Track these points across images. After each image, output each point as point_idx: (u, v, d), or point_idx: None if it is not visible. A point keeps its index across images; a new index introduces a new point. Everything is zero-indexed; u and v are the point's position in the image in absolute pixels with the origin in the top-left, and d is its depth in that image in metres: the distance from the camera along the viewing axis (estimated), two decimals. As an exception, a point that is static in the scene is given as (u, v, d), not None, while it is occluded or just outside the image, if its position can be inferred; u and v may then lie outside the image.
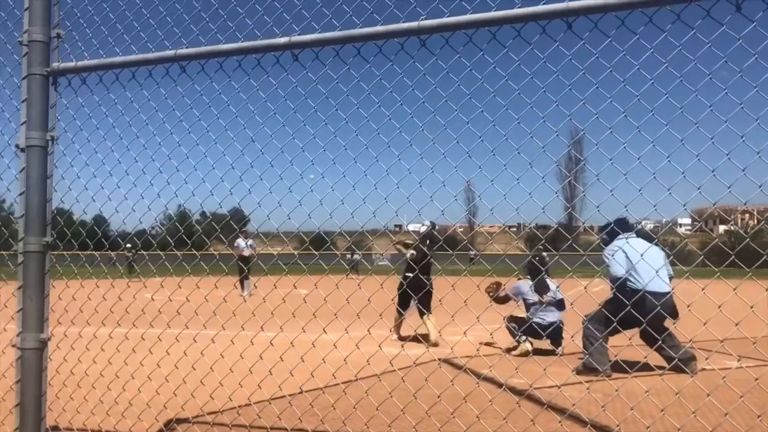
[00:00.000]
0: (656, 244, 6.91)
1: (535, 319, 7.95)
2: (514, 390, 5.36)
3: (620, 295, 6.05)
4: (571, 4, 2.22)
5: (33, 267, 2.74)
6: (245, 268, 17.51)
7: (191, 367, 3.81)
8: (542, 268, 8.33)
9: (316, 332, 3.84)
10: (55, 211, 2.80)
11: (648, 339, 6.54)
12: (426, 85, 2.49)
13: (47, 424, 2.93)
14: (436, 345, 8.65)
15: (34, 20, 2.76)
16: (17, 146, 2.71)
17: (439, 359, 6.63)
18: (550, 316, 8.07)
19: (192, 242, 3.57)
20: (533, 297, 8.17)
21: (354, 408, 4.02)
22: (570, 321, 7.48)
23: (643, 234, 7.84)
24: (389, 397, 3.72)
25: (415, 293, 8.34)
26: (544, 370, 3.86)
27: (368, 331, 3.47)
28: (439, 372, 4.08)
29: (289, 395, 4.09)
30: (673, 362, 5.96)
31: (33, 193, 2.69)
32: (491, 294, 8.50)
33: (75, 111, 2.99)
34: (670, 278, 6.76)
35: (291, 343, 3.56)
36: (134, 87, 2.85)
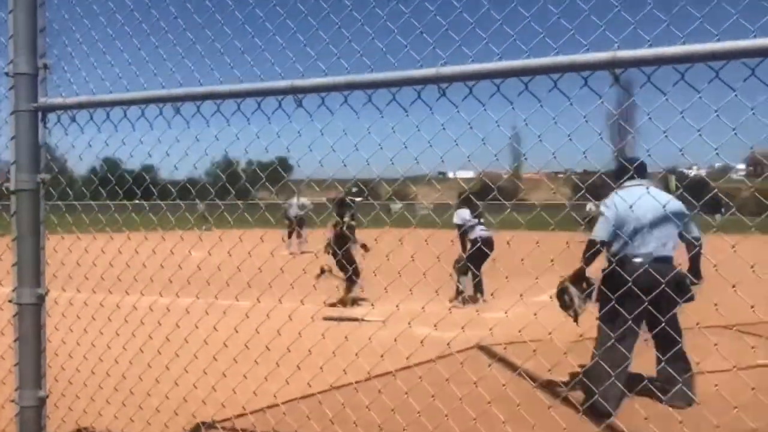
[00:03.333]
0: (669, 193, 5.30)
1: (482, 233, 10.73)
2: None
3: (610, 272, 4.85)
4: (619, 54, 1.99)
5: (28, 317, 2.74)
6: (295, 227, 18.96)
7: (213, 358, 3.88)
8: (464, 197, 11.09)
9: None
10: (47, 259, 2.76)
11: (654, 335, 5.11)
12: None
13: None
14: None
15: (19, 49, 2.65)
16: (7, 189, 2.68)
17: (477, 344, 6.63)
18: (481, 229, 10.87)
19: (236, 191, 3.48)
20: (470, 221, 10.82)
21: (367, 408, 3.99)
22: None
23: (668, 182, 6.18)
24: (405, 396, 3.68)
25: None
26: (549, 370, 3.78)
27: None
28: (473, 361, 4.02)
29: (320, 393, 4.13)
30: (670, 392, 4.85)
31: (24, 240, 2.67)
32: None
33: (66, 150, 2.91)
34: (694, 241, 5.13)
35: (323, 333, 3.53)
36: (126, 126, 2.74)
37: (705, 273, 5.16)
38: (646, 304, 3.74)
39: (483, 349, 6.76)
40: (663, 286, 3.88)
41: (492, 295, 10.57)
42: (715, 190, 2.62)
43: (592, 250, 5.01)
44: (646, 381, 4.88)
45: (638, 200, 4.78)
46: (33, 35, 2.65)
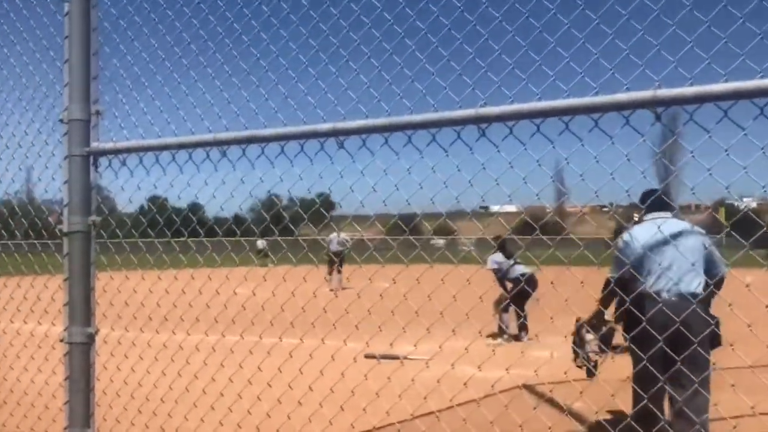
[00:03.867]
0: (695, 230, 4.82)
1: (513, 275, 11.21)
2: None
3: (634, 310, 4.17)
4: (660, 92, 1.99)
5: (78, 356, 2.81)
6: (336, 262, 19.25)
7: (257, 398, 3.88)
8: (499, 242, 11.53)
9: (383, 343, 3.78)
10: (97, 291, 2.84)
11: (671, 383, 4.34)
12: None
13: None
14: None
15: (74, 97, 2.80)
16: (60, 231, 2.79)
17: (522, 385, 6.50)
18: (520, 269, 11.29)
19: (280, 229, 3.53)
20: (505, 263, 11.32)
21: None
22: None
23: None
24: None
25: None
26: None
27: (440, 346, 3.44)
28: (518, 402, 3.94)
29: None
30: None
31: (75, 281, 2.76)
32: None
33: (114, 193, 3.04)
34: (717, 279, 4.59)
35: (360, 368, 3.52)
36: (174, 168, 2.85)
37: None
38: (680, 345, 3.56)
39: (528, 389, 6.63)
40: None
41: (537, 336, 10.46)
42: (765, 228, 2.55)
43: (607, 289, 4.75)
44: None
45: (655, 233, 4.52)
46: (86, 83, 2.79)
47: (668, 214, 4.88)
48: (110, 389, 3.76)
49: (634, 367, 4.50)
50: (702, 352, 4.16)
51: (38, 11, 3.53)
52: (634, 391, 4.41)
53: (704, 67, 2.06)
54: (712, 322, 4.37)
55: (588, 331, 4.75)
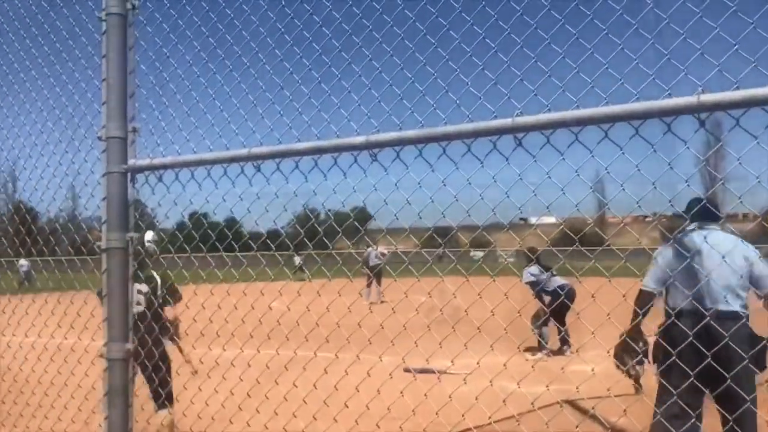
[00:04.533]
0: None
1: (551, 288, 10.66)
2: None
3: (671, 329, 4.11)
4: (704, 98, 1.93)
5: (117, 371, 2.84)
6: (372, 276, 19.49)
7: (293, 415, 3.88)
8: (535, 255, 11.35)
9: (420, 358, 3.76)
10: (137, 317, 2.87)
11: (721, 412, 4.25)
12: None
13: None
14: None
15: (111, 115, 2.86)
16: (98, 246, 2.84)
17: (563, 401, 6.37)
18: (558, 281, 10.83)
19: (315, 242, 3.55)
20: (543, 275, 10.86)
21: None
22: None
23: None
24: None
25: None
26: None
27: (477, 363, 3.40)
28: (559, 419, 3.85)
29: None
30: None
31: (114, 297, 2.80)
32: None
33: (152, 208, 3.08)
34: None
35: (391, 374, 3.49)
36: (210, 184, 2.88)
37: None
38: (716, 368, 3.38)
39: (569, 405, 6.51)
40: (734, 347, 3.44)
41: (577, 350, 10.29)
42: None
43: (640, 302, 4.55)
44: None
45: (694, 246, 4.33)
46: (123, 101, 2.86)
47: (714, 225, 4.67)
48: (148, 405, 3.79)
49: (660, 386, 4.33)
50: (743, 373, 3.94)
51: (77, 31, 3.62)
52: (658, 406, 4.26)
53: (749, 70, 2.00)
54: (752, 340, 4.19)
55: (629, 345, 4.61)
